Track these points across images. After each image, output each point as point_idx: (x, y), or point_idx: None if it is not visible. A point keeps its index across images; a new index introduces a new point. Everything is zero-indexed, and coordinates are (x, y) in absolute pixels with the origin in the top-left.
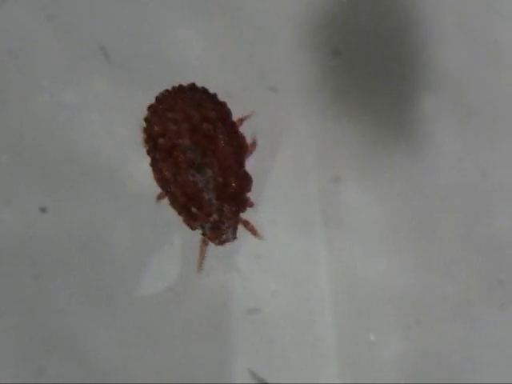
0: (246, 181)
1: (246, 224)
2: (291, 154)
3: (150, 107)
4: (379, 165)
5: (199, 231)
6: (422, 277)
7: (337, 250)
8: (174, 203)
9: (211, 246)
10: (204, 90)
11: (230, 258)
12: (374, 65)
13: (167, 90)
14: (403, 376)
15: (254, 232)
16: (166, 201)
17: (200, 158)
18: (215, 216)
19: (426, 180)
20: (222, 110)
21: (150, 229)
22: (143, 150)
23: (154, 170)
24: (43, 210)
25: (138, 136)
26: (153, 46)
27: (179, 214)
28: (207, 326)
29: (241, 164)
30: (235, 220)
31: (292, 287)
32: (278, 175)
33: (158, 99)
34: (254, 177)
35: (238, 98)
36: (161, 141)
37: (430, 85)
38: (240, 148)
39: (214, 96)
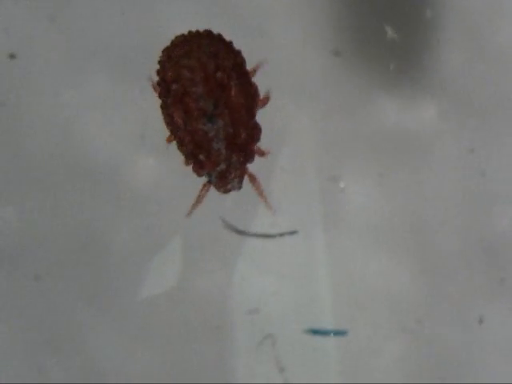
0: (255, 132)
1: (253, 179)
2: (291, 154)
3: (165, 50)
4: (380, 165)
5: (205, 178)
6: (423, 277)
7: (337, 249)
8: (182, 148)
9: (212, 247)
10: (220, 38)
11: (231, 257)
12: (374, 64)
13: (183, 35)
14: (403, 376)
15: (257, 187)
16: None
17: (212, 107)
18: (223, 165)
19: (426, 180)
20: (236, 58)
21: (150, 229)
22: (143, 149)
23: (164, 114)
24: (43, 209)
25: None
26: (154, 45)
27: (186, 159)
28: (207, 326)
29: (252, 115)
30: (242, 170)
31: (292, 287)
32: (278, 175)
33: (173, 43)
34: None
35: None
36: (174, 86)
37: (431, 85)
38: (252, 98)
39: (230, 44)
